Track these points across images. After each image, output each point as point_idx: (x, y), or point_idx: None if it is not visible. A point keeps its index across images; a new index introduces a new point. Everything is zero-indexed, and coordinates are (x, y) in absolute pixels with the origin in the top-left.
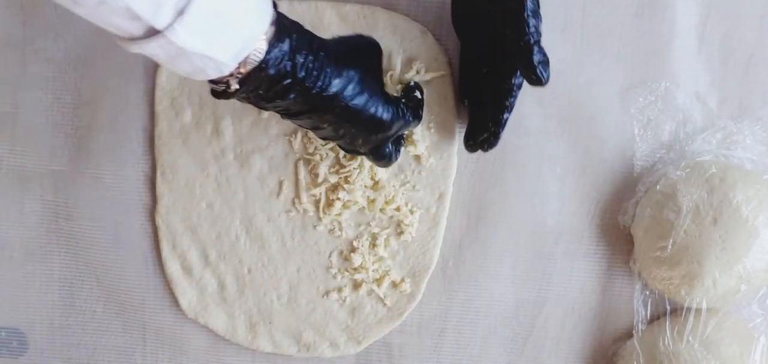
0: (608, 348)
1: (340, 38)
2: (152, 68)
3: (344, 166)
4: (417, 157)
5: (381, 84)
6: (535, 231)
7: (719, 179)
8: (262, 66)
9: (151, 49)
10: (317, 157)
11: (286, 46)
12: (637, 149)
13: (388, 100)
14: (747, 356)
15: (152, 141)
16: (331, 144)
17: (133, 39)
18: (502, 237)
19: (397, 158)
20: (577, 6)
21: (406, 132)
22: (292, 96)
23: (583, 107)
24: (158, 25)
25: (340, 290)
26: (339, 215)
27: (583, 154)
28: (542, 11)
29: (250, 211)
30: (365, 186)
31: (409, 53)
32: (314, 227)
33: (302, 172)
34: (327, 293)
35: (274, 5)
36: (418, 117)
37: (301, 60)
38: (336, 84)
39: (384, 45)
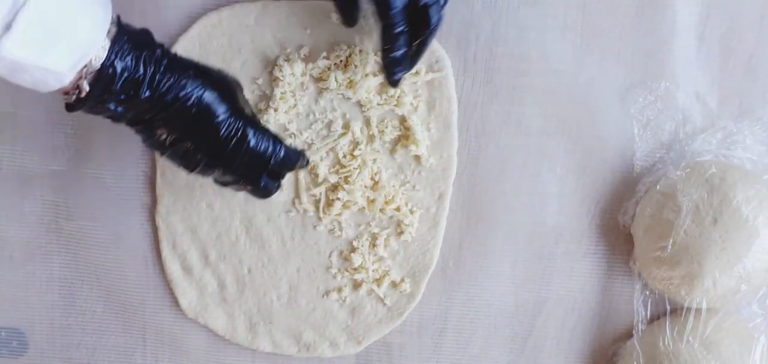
0: (608, 348)
1: (196, 62)
2: None
3: (344, 166)
4: (417, 158)
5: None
6: (535, 231)
7: (719, 179)
8: (108, 64)
9: None
10: (317, 158)
11: (130, 43)
12: (637, 149)
13: (254, 123)
14: (747, 356)
15: None
16: (331, 144)
17: None
18: (502, 237)
19: (274, 190)
20: (577, 6)
21: (283, 168)
22: (146, 93)
23: (583, 107)
24: None
25: (340, 290)
26: (339, 215)
27: (583, 154)
28: (543, 11)
29: (250, 211)
30: (365, 186)
31: None
32: (314, 227)
33: (302, 172)
34: (327, 293)
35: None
36: (295, 154)
37: (148, 54)
38: (191, 87)
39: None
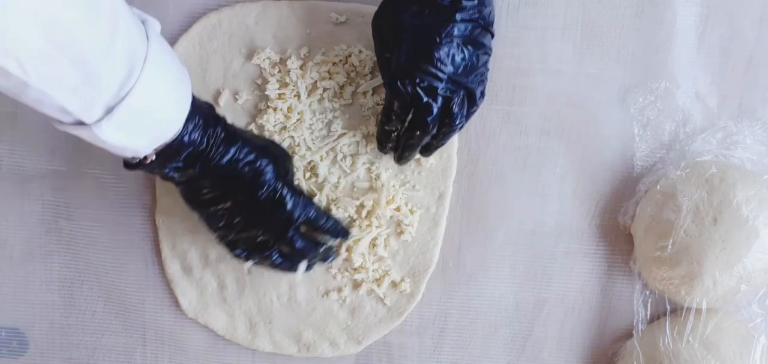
0: (608, 348)
1: (250, 132)
2: None
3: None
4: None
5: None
6: (535, 231)
7: (719, 179)
8: (178, 139)
9: (77, 132)
10: (317, 158)
11: (198, 118)
12: (637, 149)
13: (295, 190)
14: (747, 356)
15: None
16: (331, 144)
17: (62, 123)
18: (502, 237)
19: (305, 259)
20: (577, 6)
21: (324, 239)
22: (198, 165)
23: (583, 107)
24: (87, 121)
25: (340, 289)
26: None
27: (583, 154)
28: (543, 11)
29: None
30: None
31: None
32: None
33: (301, 172)
34: (327, 293)
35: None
36: (333, 223)
37: (211, 130)
38: (243, 154)
39: None
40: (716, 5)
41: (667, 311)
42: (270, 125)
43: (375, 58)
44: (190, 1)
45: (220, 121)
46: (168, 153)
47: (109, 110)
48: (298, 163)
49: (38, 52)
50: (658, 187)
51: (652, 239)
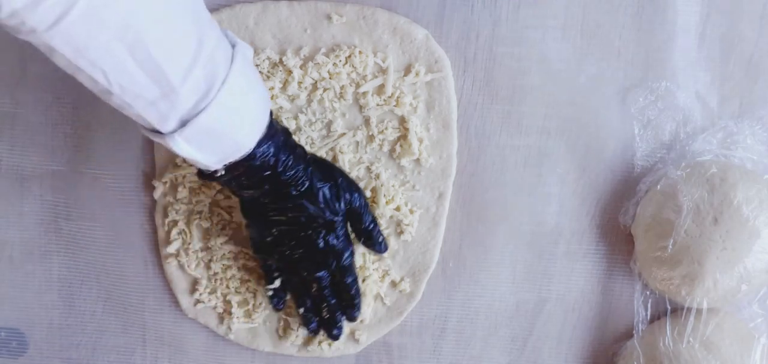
0: (608, 348)
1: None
2: None
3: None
4: (416, 157)
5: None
6: (535, 231)
7: (720, 179)
8: (249, 158)
9: (155, 139)
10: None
11: (273, 146)
12: (638, 149)
13: (338, 223)
14: (747, 356)
15: (152, 141)
16: (331, 144)
17: (144, 128)
18: (502, 237)
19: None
20: (577, 6)
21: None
22: (266, 187)
23: (583, 107)
24: (163, 130)
25: None
26: None
27: (583, 154)
28: (543, 11)
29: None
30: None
31: (409, 54)
32: None
33: None
34: None
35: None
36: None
37: (284, 158)
38: (314, 185)
39: (383, 46)
40: (717, 4)
41: (667, 311)
42: None
43: (375, 59)
44: None
45: (296, 148)
46: (236, 171)
47: (183, 124)
48: None
49: (122, 67)
50: (658, 187)
51: (653, 239)
